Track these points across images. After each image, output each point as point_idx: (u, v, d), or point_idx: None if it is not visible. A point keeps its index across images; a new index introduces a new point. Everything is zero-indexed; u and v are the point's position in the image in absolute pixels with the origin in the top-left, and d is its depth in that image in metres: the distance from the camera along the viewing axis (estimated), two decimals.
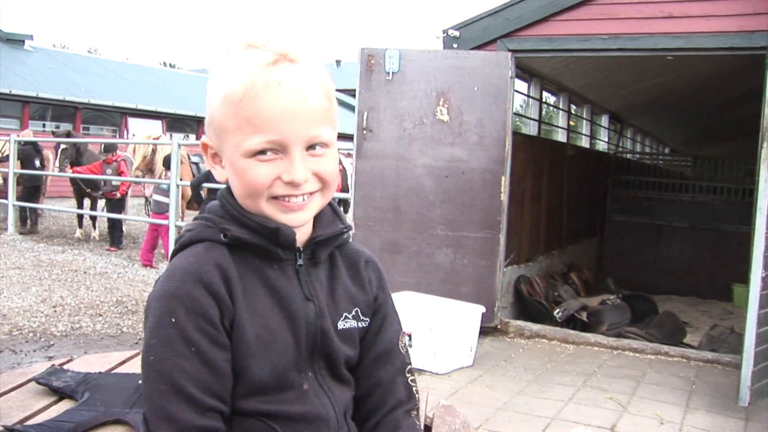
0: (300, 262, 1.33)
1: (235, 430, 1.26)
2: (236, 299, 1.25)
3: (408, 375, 1.48)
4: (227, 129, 1.23)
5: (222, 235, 1.28)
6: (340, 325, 1.37)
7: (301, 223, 1.30)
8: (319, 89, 1.24)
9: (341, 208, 1.48)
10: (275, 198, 1.25)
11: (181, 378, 1.18)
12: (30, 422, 1.91)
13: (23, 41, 25.41)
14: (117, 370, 2.37)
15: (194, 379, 1.18)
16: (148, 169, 10.95)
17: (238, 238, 1.27)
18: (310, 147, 1.24)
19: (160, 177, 10.65)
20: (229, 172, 1.28)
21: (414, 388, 1.48)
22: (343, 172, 12.34)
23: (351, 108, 8.38)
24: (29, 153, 13.27)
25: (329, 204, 1.39)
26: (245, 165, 1.22)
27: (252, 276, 1.29)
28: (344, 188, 11.64)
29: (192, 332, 1.19)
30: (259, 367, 1.25)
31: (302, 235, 1.33)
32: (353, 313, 1.40)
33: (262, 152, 1.22)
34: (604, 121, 14.57)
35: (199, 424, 1.17)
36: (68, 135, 13.59)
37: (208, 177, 8.54)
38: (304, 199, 1.27)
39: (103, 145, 12.47)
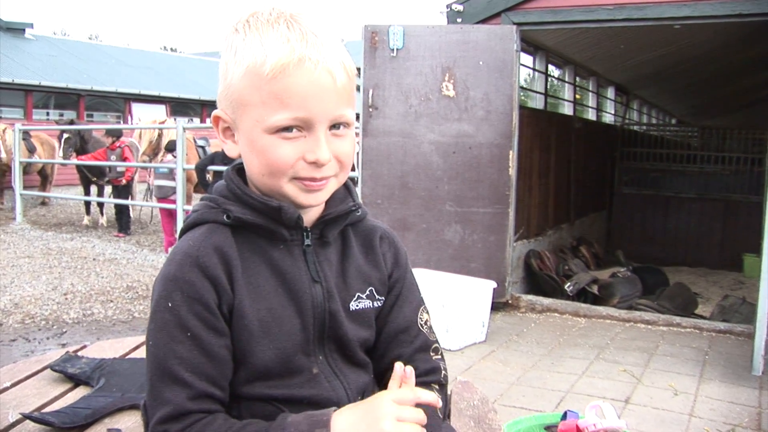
0: (307, 242, 1.30)
1: (243, 414, 1.24)
2: (237, 283, 1.22)
3: (432, 354, 1.43)
4: (248, 102, 1.20)
5: (225, 216, 1.25)
6: (353, 305, 1.34)
7: (317, 203, 1.27)
8: (344, 69, 1.22)
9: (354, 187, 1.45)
10: (297, 179, 1.22)
11: (176, 363, 1.17)
12: (47, 409, 1.91)
13: (24, 30, 25.32)
14: (131, 356, 2.36)
15: (189, 364, 1.17)
16: (155, 153, 10.93)
17: (241, 218, 1.25)
18: (333, 126, 1.22)
19: (160, 161, 10.63)
20: (245, 148, 1.24)
21: (438, 366, 1.42)
22: None
23: (357, 87, 8.34)
24: None
25: (344, 183, 1.36)
26: (268, 142, 1.19)
27: (256, 257, 1.26)
28: (352, 167, 11.62)
29: (188, 317, 1.18)
30: (262, 351, 1.23)
31: (312, 215, 1.31)
32: (367, 292, 1.37)
33: (287, 129, 1.18)
34: (611, 93, 14.47)
35: (191, 407, 1.16)
36: (71, 123, 13.59)
37: (213, 160, 8.50)
38: (324, 181, 1.24)
39: (105, 131, 12.47)
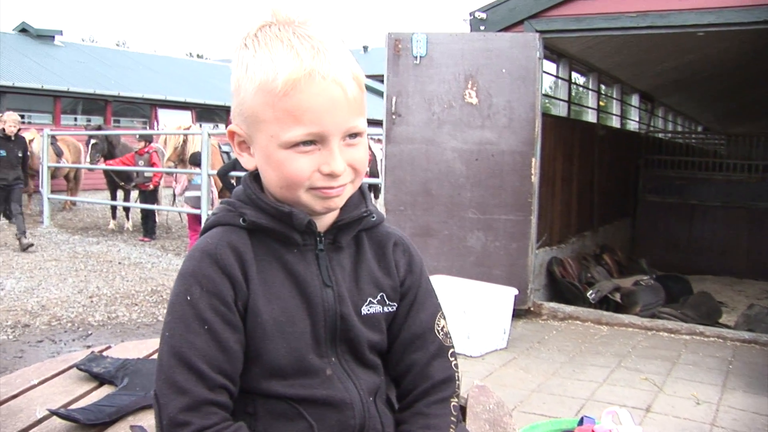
0: (320, 246, 1.33)
1: (259, 410, 1.27)
2: (252, 282, 1.26)
3: (451, 359, 1.45)
4: (262, 119, 1.23)
5: (241, 220, 1.29)
6: (364, 310, 1.36)
7: (334, 209, 1.31)
8: (354, 80, 1.24)
9: (371, 194, 1.48)
10: (314, 188, 1.25)
11: (194, 354, 1.20)
12: (73, 406, 1.96)
13: (53, 37, 25.70)
14: (154, 356, 2.41)
15: (205, 355, 1.20)
16: (180, 159, 11.03)
17: (255, 222, 1.29)
18: (347, 137, 1.25)
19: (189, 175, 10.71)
20: (262, 161, 1.28)
21: (453, 375, 1.44)
22: (373, 157, 12.35)
23: (379, 94, 8.37)
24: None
25: (359, 188, 1.39)
26: (283, 156, 1.23)
27: (271, 259, 1.30)
28: (374, 174, 11.65)
29: (206, 310, 1.22)
30: (275, 349, 1.26)
31: (327, 220, 1.34)
32: (378, 297, 1.39)
33: (301, 144, 1.21)
34: (635, 100, 14.38)
35: (209, 398, 1.19)
36: (99, 129, 13.78)
37: (235, 165, 8.57)
38: (340, 188, 1.27)
39: (138, 136, 12.61)
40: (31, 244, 10.30)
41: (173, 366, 1.20)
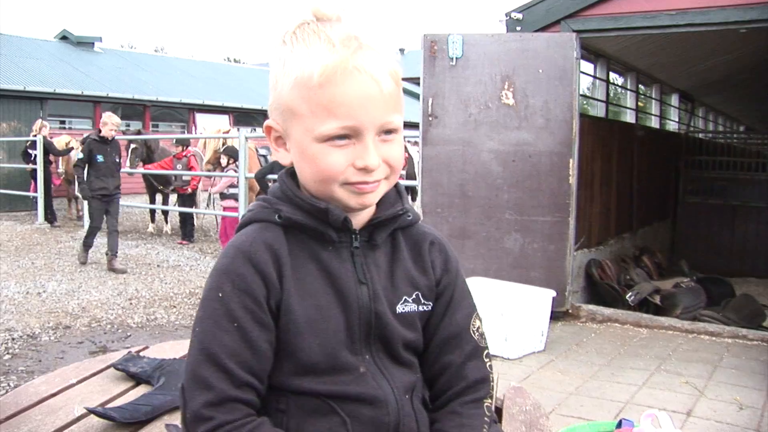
0: (356, 244, 1.33)
1: (291, 407, 1.27)
2: (286, 279, 1.26)
3: (486, 360, 1.44)
4: (298, 113, 1.23)
5: (277, 216, 1.30)
6: (399, 308, 1.35)
7: (368, 205, 1.30)
8: (390, 75, 1.24)
9: (408, 195, 1.47)
10: (348, 184, 1.25)
11: (221, 351, 1.20)
12: (110, 405, 1.98)
13: (93, 43, 26.11)
14: None
15: (233, 353, 1.21)
16: (218, 163, 11.14)
17: (291, 218, 1.29)
18: (382, 133, 1.24)
19: (224, 169, 10.81)
20: (297, 156, 1.28)
21: (487, 375, 1.43)
22: (409, 159, 12.35)
23: (416, 96, 8.36)
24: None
25: (395, 186, 1.38)
26: (318, 150, 1.23)
27: (306, 256, 1.29)
28: (411, 176, 11.64)
29: (236, 308, 1.22)
30: (309, 346, 1.25)
31: (363, 218, 1.33)
32: (413, 296, 1.38)
33: (336, 137, 1.21)
34: (674, 100, 14.20)
35: (234, 394, 1.20)
36: (138, 134, 13.96)
37: (273, 168, 8.59)
38: (375, 184, 1.27)
39: (175, 141, 12.75)
40: (125, 271, 9.12)
41: (201, 362, 1.21)
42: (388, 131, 1.25)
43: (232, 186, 10.41)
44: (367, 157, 1.22)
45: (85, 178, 9.23)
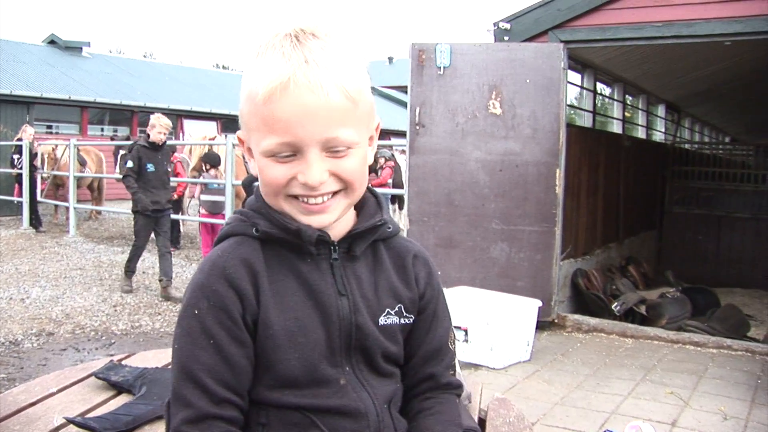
0: (335, 256, 1.31)
1: (272, 421, 1.26)
2: (263, 294, 1.25)
3: (457, 366, 1.50)
4: (250, 127, 1.25)
5: (254, 230, 1.29)
6: (381, 320, 1.35)
7: (323, 225, 1.27)
8: (338, 90, 1.19)
9: (394, 204, 1.46)
10: (294, 197, 1.25)
11: (199, 368, 1.20)
12: (90, 415, 1.96)
13: (81, 48, 26.02)
14: None
15: (210, 370, 1.20)
16: (204, 170, 11.11)
17: (268, 232, 1.28)
18: (328, 148, 1.22)
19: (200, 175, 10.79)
20: (255, 167, 1.29)
21: (461, 381, 1.49)
22: (397, 168, 12.37)
23: (404, 104, 8.37)
24: None
25: (375, 196, 1.38)
26: (264, 163, 1.23)
27: (284, 270, 1.28)
28: (399, 184, 11.65)
29: (212, 325, 1.22)
30: (287, 360, 1.25)
31: (341, 229, 1.32)
32: (396, 309, 1.37)
33: (278, 153, 1.21)
34: (661, 111, 14.29)
35: (213, 412, 1.19)
36: (127, 140, 13.91)
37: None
38: (323, 200, 1.25)
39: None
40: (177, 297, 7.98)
41: (180, 379, 1.21)
42: (337, 146, 1.22)
43: (205, 192, 10.41)
44: (309, 173, 1.21)
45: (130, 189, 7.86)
